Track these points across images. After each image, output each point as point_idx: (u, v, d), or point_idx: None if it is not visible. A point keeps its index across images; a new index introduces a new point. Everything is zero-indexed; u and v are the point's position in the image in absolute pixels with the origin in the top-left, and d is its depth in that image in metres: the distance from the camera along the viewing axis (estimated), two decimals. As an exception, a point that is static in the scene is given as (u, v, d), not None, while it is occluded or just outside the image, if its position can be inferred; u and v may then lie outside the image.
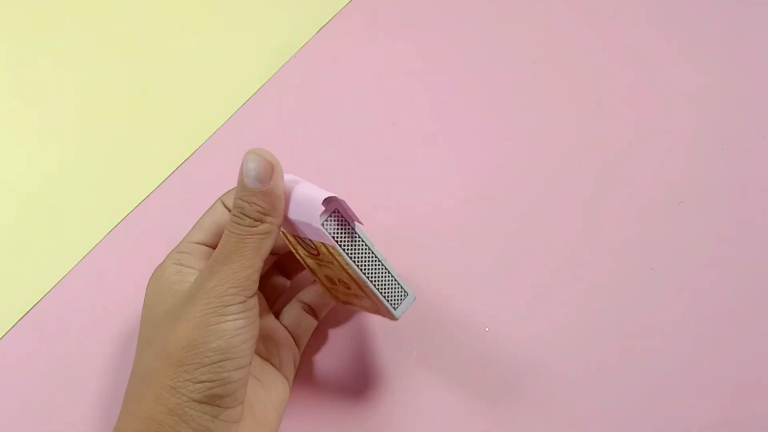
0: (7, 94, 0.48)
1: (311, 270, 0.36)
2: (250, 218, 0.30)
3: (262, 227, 0.30)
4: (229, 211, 0.33)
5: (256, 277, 0.31)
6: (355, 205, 0.31)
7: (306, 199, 0.31)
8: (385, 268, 0.33)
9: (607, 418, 0.38)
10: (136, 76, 0.48)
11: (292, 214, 0.32)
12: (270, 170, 0.30)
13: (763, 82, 0.46)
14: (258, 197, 0.30)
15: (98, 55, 0.49)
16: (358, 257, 0.32)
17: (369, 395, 0.39)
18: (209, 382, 0.29)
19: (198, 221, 0.35)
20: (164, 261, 0.34)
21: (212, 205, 0.35)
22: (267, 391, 0.35)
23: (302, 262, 0.36)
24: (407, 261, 0.39)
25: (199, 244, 0.34)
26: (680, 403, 0.38)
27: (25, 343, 0.40)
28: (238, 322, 0.30)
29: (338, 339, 0.40)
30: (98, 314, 0.40)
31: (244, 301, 0.30)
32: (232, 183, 0.44)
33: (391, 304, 0.33)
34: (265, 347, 0.37)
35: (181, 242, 0.35)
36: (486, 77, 0.47)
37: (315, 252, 0.33)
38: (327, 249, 0.32)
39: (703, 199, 0.42)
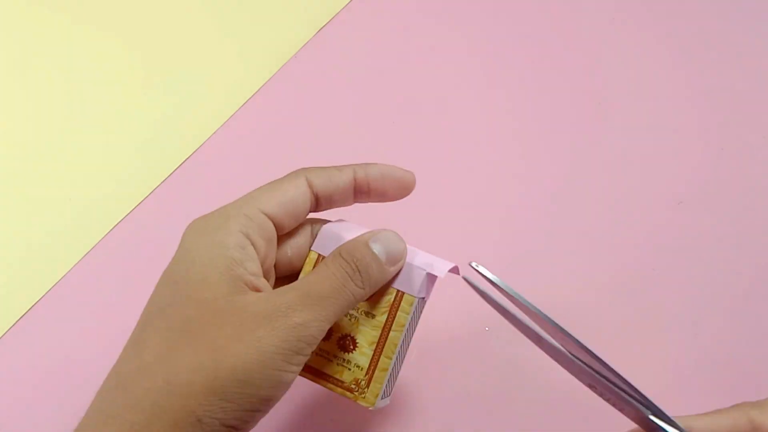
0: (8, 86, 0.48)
1: None
2: (368, 284, 0.29)
3: (362, 293, 0.29)
4: (313, 195, 0.30)
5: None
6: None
7: (428, 257, 0.32)
8: (403, 357, 0.32)
9: (607, 416, 0.38)
10: (136, 77, 0.48)
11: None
12: (399, 260, 0.30)
13: (763, 82, 0.46)
14: (381, 271, 0.29)
15: (97, 57, 0.49)
16: (411, 329, 0.31)
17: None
18: (237, 423, 0.25)
19: (273, 187, 0.30)
20: (228, 219, 0.28)
21: (294, 178, 0.30)
22: None
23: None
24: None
25: (267, 216, 0.29)
26: (681, 402, 0.38)
27: (24, 343, 0.40)
28: (293, 375, 0.26)
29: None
30: (98, 314, 0.40)
31: (309, 355, 0.27)
32: (231, 183, 0.44)
33: (383, 391, 0.31)
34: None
35: (247, 201, 0.29)
36: (487, 77, 0.47)
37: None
38: (394, 300, 0.31)
39: (703, 200, 0.42)
